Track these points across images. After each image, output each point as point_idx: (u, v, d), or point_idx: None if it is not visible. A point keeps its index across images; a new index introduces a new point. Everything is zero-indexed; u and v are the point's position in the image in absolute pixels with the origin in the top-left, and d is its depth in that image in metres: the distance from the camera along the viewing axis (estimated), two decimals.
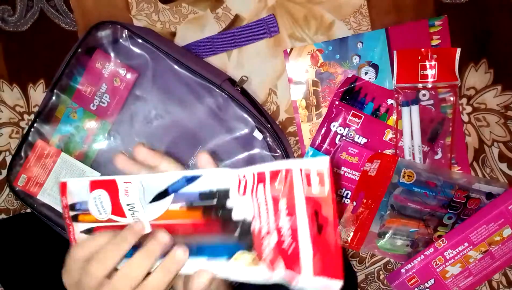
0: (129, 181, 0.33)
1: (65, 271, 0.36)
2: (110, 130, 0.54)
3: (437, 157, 0.63)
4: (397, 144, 0.63)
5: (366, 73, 0.63)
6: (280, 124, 0.66)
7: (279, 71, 0.65)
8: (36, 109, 0.68)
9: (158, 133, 0.54)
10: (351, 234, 0.62)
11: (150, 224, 0.34)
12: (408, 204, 0.61)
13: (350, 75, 0.63)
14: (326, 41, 0.63)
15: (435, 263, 0.60)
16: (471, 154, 0.65)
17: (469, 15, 0.62)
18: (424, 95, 0.63)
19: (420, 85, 0.62)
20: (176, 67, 0.53)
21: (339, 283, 0.26)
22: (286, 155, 0.55)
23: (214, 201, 0.31)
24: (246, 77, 0.61)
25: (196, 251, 0.33)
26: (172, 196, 0.33)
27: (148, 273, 0.33)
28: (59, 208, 0.55)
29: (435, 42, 0.62)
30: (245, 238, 0.31)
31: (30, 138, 0.54)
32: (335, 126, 0.63)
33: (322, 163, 0.26)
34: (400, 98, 0.62)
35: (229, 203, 0.31)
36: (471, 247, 0.60)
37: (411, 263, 0.61)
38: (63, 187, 0.37)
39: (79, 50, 0.53)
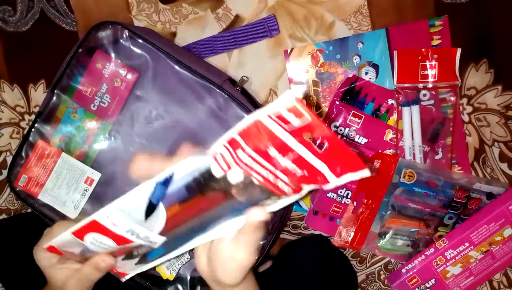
0: (106, 215, 0.31)
1: None
2: (111, 130, 0.54)
3: (437, 157, 0.63)
4: (397, 144, 0.63)
5: (366, 73, 0.63)
6: None
7: (279, 71, 0.65)
8: (36, 109, 0.68)
9: (158, 133, 0.54)
10: (352, 234, 0.62)
11: (161, 233, 0.33)
12: (408, 204, 0.61)
13: (350, 75, 0.63)
14: (327, 41, 0.63)
15: (435, 263, 0.60)
16: (471, 154, 0.65)
17: (470, 15, 0.62)
18: (424, 95, 0.63)
19: (420, 85, 0.62)
20: (176, 67, 0.53)
21: (366, 171, 0.25)
22: None
23: (206, 183, 0.30)
24: (246, 77, 0.61)
25: (230, 213, 0.33)
26: (161, 204, 0.31)
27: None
28: (59, 208, 0.55)
29: (435, 42, 0.62)
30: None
31: (30, 138, 0.54)
32: (335, 126, 0.63)
33: (288, 98, 0.24)
34: (400, 98, 0.62)
35: (221, 178, 0.30)
36: (472, 247, 0.60)
37: (412, 263, 0.61)
38: (53, 250, 0.36)
39: (80, 50, 0.53)
